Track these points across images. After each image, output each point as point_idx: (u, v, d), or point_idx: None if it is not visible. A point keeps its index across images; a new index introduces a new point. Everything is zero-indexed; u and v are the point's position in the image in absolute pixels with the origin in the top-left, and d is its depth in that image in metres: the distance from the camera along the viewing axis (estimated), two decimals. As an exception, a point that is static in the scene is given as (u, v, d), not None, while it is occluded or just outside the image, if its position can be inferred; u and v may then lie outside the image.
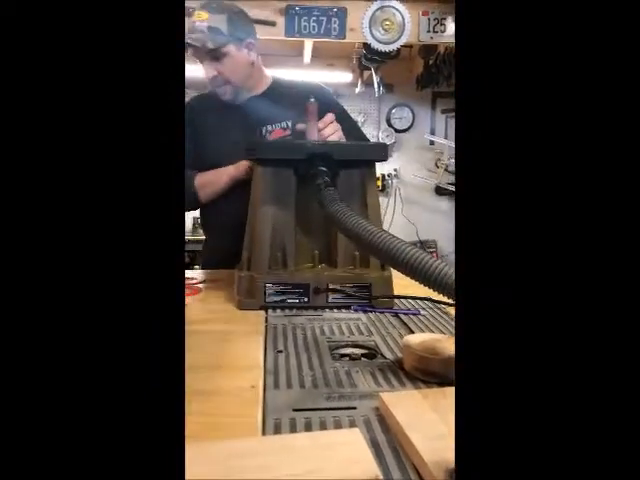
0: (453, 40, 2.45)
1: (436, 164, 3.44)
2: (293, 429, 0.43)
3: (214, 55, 1.08)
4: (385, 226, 2.45)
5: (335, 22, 2.06)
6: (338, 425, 0.44)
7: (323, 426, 0.44)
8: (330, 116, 0.99)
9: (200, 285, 1.01)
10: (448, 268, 0.47)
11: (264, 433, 0.43)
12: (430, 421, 0.41)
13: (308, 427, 0.43)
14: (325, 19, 2.05)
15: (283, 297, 0.84)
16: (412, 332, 0.71)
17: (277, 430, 0.43)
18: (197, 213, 1.32)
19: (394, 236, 0.57)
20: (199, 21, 1.05)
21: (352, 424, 0.44)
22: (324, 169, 0.81)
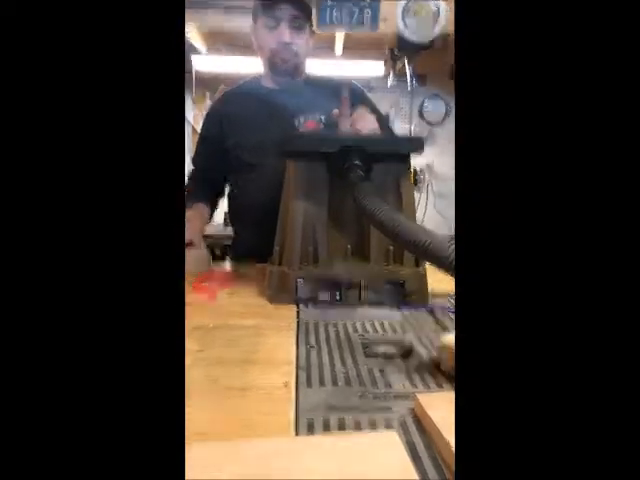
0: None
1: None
2: (327, 429, 0.42)
3: (295, 24, 1.09)
4: (418, 221, 2.41)
5: (368, 13, 2.03)
6: (373, 426, 0.43)
7: (357, 427, 0.42)
8: (363, 108, 0.97)
9: (232, 278, 1.01)
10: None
11: (297, 432, 0.42)
12: (470, 425, 0.40)
13: (342, 427, 0.42)
14: (357, 10, 2.02)
15: (315, 292, 0.83)
16: (447, 330, 0.69)
17: (310, 429, 0.42)
18: (226, 207, 1.34)
19: (430, 231, 0.55)
20: None
21: (388, 425, 0.43)
22: (358, 163, 0.79)
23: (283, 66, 1.12)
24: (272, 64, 1.14)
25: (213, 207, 1.29)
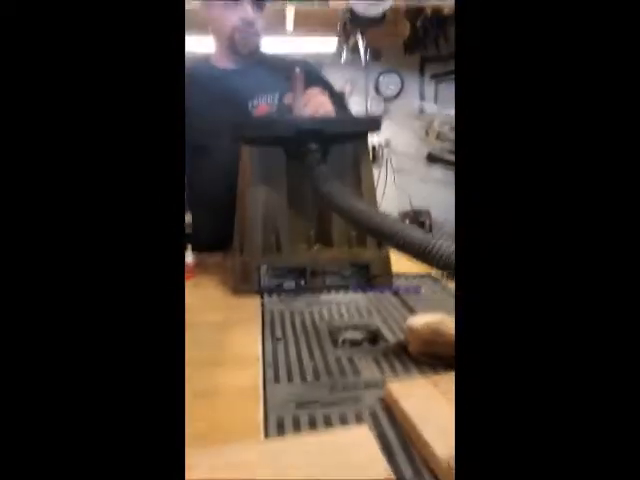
0: (440, 1, 2.37)
1: (426, 132, 3.38)
2: (297, 427, 0.41)
3: (259, 3, 1.04)
4: (378, 197, 2.42)
5: (318, -13, 1.97)
6: (344, 420, 0.42)
7: (328, 422, 0.42)
8: (316, 89, 0.94)
9: (192, 270, 0.98)
10: (448, 246, 0.44)
11: (266, 432, 0.41)
12: (442, 412, 0.39)
13: (312, 424, 0.42)
14: (307, -16, 1.95)
15: (279, 281, 0.81)
16: (414, 312, 0.69)
17: (280, 429, 0.41)
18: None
19: (389, 216, 0.54)
20: None
21: (358, 418, 0.42)
22: (314, 146, 0.77)
23: (245, 45, 1.07)
24: (231, 43, 1.07)
25: None
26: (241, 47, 1.07)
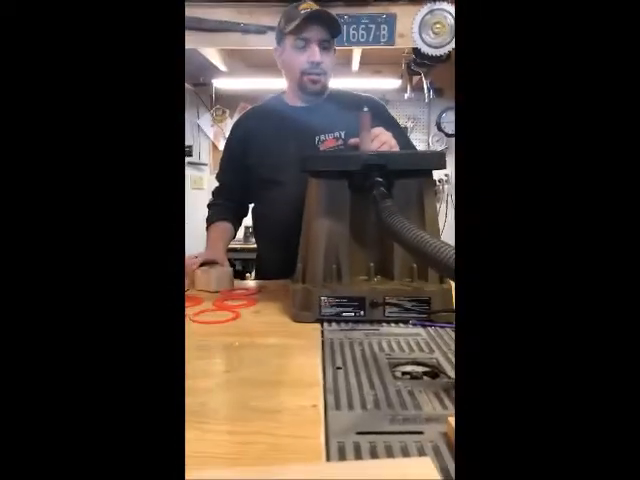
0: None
1: (489, 168, 3.32)
2: (358, 454, 0.42)
3: (325, 44, 1.11)
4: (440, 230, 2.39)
5: (384, 29, 2.04)
6: (405, 451, 0.42)
7: (389, 451, 0.42)
8: (380, 128, 0.97)
9: (255, 296, 1.02)
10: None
11: (328, 456, 0.42)
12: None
13: (374, 452, 0.42)
14: (374, 26, 2.03)
15: (339, 310, 0.82)
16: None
17: (341, 454, 0.42)
18: (249, 222, 1.35)
19: (453, 247, 0.54)
20: (304, 9, 1.08)
21: (420, 450, 0.42)
22: (380, 180, 0.79)
23: (313, 86, 1.14)
24: (301, 84, 1.15)
25: (237, 225, 1.30)
26: (309, 87, 1.14)
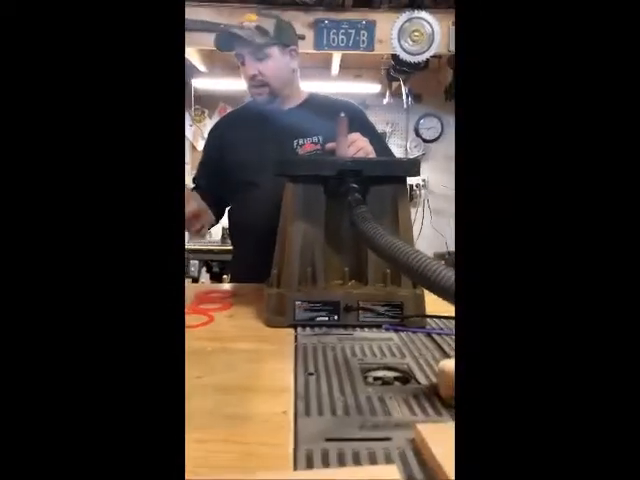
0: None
1: (466, 174, 3.37)
2: (325, 461, 0.42)
3: (258, 55, 1.11)
4: (414, 237, 2.42)
5: (364, 35, 2.06)
6: (372, 458, 0.42)
7: (356, 459, 0.42)
8: (356, 134, 0.98)
9: (230, 300, 1.01)
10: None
11: (295, 464, 0.42)
12: (470, 457, 0.39)
13: (341, 459, 0.42)
14: (354, 32, 2.05)
15: (313, 315, 0.83)
16: (446, 354, 0.69)
17: (309, 461, 0.42)
18: (225, 223, 1.34)
19: (426, 256, 0.55)
20: (247, 22, 1.09)
21: (387, 457, 0.42)
22: (355, 186, 0.80)
23: (259, 97, 1.15)
24: (252, 96, 1.17)
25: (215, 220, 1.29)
26: (257, 99, 1.16)
